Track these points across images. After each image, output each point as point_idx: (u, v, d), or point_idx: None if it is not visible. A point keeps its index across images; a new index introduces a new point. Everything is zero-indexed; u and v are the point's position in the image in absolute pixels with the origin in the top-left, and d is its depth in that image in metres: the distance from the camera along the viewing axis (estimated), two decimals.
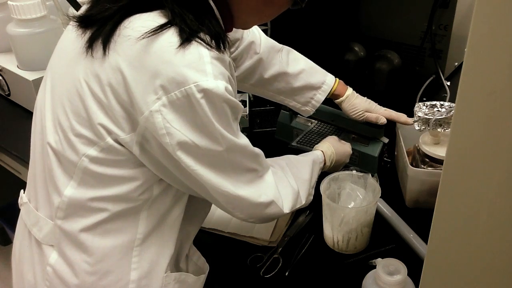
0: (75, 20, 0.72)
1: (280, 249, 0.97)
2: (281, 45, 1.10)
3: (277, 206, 0.79)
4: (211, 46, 0.66)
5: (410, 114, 1.06)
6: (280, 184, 0.82)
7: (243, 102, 1.37)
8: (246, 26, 0.82)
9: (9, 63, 1.42)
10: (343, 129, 1.21)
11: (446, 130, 0.99)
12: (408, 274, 0.78)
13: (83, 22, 0.71)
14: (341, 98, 1.10)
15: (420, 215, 0.93)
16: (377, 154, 1.12)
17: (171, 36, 0.64)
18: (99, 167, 0.70)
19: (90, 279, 0.74)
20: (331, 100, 1.12)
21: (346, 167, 1.08)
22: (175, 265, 0.83)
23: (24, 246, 0.81)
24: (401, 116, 1.10)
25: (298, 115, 1.26)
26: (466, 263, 0.55)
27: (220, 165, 0.70)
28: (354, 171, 0.99)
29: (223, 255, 0.97)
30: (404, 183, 1.05)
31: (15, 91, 1.45)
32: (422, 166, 1.02)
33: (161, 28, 0.64)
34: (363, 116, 1.10)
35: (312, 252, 0.97)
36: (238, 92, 1.37)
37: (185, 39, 0.64)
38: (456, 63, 1.43)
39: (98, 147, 0.69)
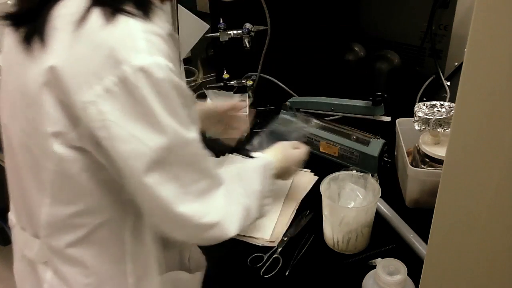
0: (3, 19, 0.66)
1: (280, 249, 0.97)
2: None
3: (222, 230, 0.70)
4: (139, 17, 0.60)
5: (410, 114, 1.06)
6: (229, 202, 0.73)
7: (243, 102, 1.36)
8: None
9: None
10: (336, 131, 1.19)
11: (446, 130, 0.99)
12: (408, 274, 0.78)
13: (11, 20, 0.66)
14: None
15: (420, 215, 0.93)
16: (377, 154, 1.12)
17: (97, 18, 0.59)
18: (63, 180, 0.65)
19: None
20: (329, 92, 1.09)
21: (346, 167, 1.08)
22: (174, 264, 0.82)
23: (21, 268, 0.80)
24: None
25: (298, 115, 1.26)
26: (466, 263, 0.55)
27: (164, 163, 0.61)
28: (354, 171, 0.99)
29: (223, 255, 0.97)
30: (404, 183, 1.05)
31: None
32: (422, 166, 1.02)
33: (85, 12, 0.59)
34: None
35: (312, 252, 0.97)
36: (238, 91, 1.37)
37: (109, 16, 0.58)
38: (456, 63, 1.43)
39: (55, 158, 0.64)
